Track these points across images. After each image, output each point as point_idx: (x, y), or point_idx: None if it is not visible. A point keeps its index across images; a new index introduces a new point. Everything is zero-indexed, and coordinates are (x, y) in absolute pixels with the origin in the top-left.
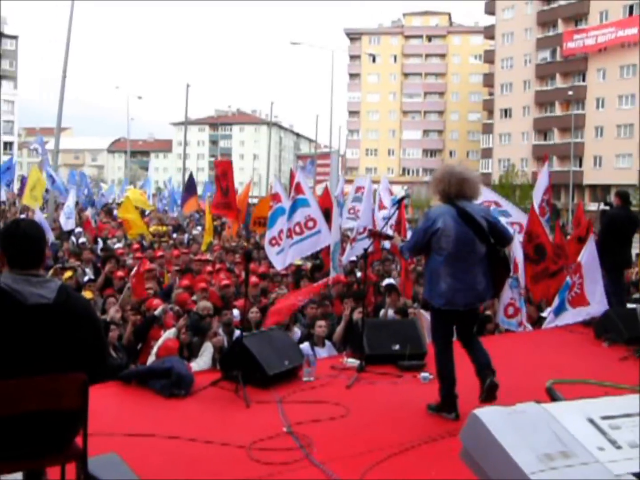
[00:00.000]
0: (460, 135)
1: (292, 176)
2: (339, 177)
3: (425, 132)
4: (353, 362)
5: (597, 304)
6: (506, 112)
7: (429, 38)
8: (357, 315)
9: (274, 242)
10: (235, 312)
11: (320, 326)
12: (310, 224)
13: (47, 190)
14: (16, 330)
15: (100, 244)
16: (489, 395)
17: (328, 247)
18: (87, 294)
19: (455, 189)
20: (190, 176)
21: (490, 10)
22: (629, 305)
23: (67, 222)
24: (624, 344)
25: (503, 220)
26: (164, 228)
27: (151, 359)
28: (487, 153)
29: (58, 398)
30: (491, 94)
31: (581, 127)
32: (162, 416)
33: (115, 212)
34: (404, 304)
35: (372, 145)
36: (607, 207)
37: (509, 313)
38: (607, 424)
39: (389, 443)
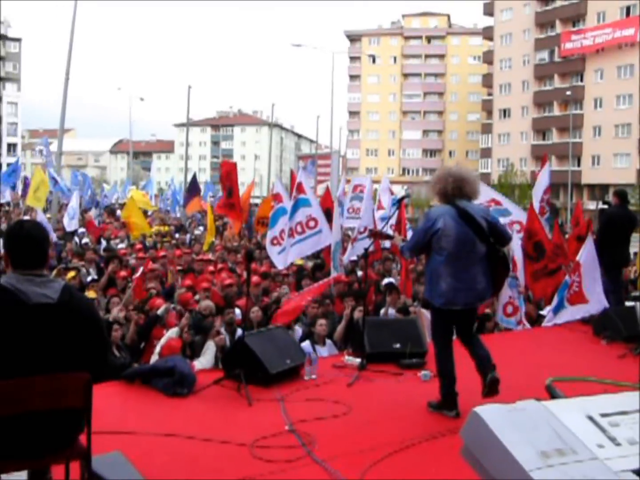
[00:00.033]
0: (459, 136)
1: (292, 177)
2: (339, 177)
3: (425, 133)
4: (354, 360)
5: (595, 301)
6: (505, 112)
7: (428, 39)
8: (357, 314)
9: (275, 241)
10: (237, 311)
11: (321, 325)
12: (312, 223)
13: (51, 192)
14: (20, 329)
15: (104, 244)
16: (491, 389)
17: (329, 247)
18: (90, 294)
19: (454, 189)
20: (194, 177)
21: (488, 11)
22: (628, 304)
23: (70, 222)
24: (622, 342)
25: (503, 219)
26: (166, 228)
27: (154, 358)
28: (486, 153)
29: (62, 397)
30: (490, 94)
31: (579, 127)
32: (165, 415)
33: (118, 212)
34: (404, 303)
35: (372, 145)
36: (606, 206)
37: (508, 312)
38: (606, 421)
39: (390, 441)
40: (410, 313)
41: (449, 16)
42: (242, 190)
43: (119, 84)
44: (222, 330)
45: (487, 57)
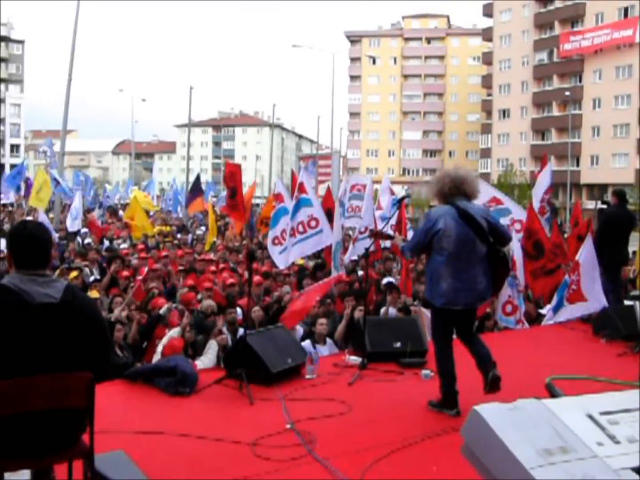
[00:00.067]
0: (459, 136)
1: (293, 177)
2: (340, 177)
3: (425, 133)
4: (355, 359)
5: (594, 300)
6: (504, 113)
7: (428, 40)
8: (358, 314)
9: (276, 241)
10: (239, 310)
11: (322, 324)
12: (313, 223)
13: (53, 192)
14: (23, 329)
15: (107, 244)
16: (492, 387)
17: (330, 247)
18: (93, 294)
19: (451, 189)
20: (197, 177)
21: (488, 12)
22: (627, 302)
23: (73, 223)
24: (621, 341)
25: (504, 219)
26: (168, 228)
27: (156, 357)
28: (485, 153)
29: (65, 396)
30: (489, 94)
31: (578, 127)
32: (168, 414)
33: (120, 212)
34: (404, 302)
35: (373, 145)
36: (605, 206)
37: (507, 311)
38: (605, 420)
39: (391, 439)
40: (411, 312)
41: (448, 17)
42: (244, 191)
43: (121, 85)
44: (224, 329)
45: (487, 58)
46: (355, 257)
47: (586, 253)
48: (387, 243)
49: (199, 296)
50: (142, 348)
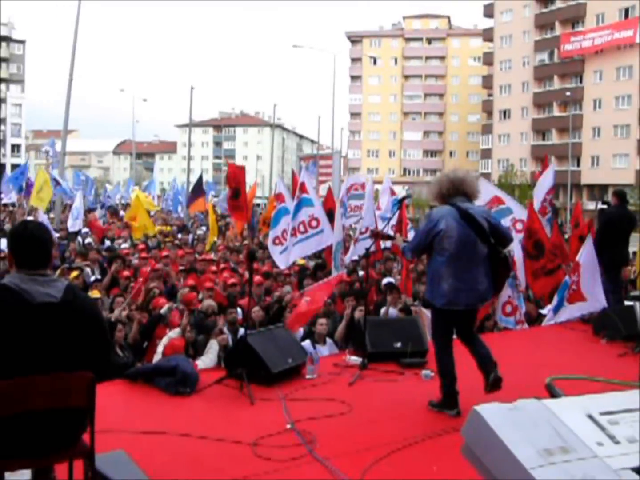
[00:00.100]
0: (460, 136)
1: (294, 177)
2: (341, 177)
3: (426, 133)
4: (355, 359)
5: (594, 300)
6: (505, 113)
7: (429, 41)
8: (358, 314)
9: (277, 241)
10: (238, 310)
11: (321, 324)
12: (314, 223)
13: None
14: (24, 328)
15: (108, 244)
16: (493, 388)
17: (331, 247)
18: (94, 294)
19: (449, 190)
20: (200, 178)
21: (488, 13)
22: (627, 303)
23: (74, 223)
24: (622, 341)
25: (505, 220)
26: (169, 228)
27: (156, 357)
28: (486, 153)
29: (66, 396)
30: (490, 95)
31: (579, 127)
32: (168, 414)
33: (121, 212)
34: (405, 302)
35: (374, 146)
36: (605, 206)
37: (507, 311)
38: (605, 420)
39: (392, 439)
40: (412, 313)
41: (449, 18)
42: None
43: (121, 85)
44: (225, 329)
45: (487, 59)
46: (355, 257)
47: (586, 253)
48: (388, 243)
49: (200, 296)
50: (142, 348)
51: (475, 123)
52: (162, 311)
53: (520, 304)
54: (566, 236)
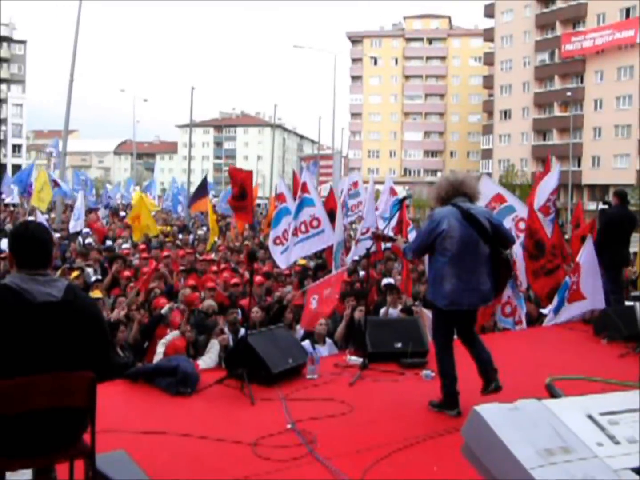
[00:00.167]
0: (460, 137)
1: (295, 178)
2: (341, 178)
3: (426, 134)
4: (356, 360)
5: (594, 299)
6: (506, 114)
7: (430, 41)
8: (358, 314)
9: (278, 241)
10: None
11: (321, 324)
12: (315, 223)
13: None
14: (26, 328)
15: (110, 244)
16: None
17: (331, 247)
18: (96, 294)
19: (448, 191)
20: (205, 178)
21: (489, 13)
22: (628, 303)
23: (76, 223)
24: (622, 341)
25: (507, 219)
26: (169, 228)
27: (157, 358)
28: (487, 154)
29: (66, 396)
30: (491, 95)
31: (579, 127)
32: (169, 414)
33: (121, 213)
34: (405, 302)
35: (374, 146)
36: (606, 207)
37: (507, 312)
38: (605, 420)
39: (392, 439)
40: (413, 313)
41: (450, 18)
42: None
43: (122, 85)
44: (226, 329)
45: (488, 59)
46: (356, 258)
47: (587, 254)
48: (389, 243)
49: (202, 295)
50: (143, 348)
51: (476, 123)
52: (162, 311)
53: (520, 304)
54: (566, 236)
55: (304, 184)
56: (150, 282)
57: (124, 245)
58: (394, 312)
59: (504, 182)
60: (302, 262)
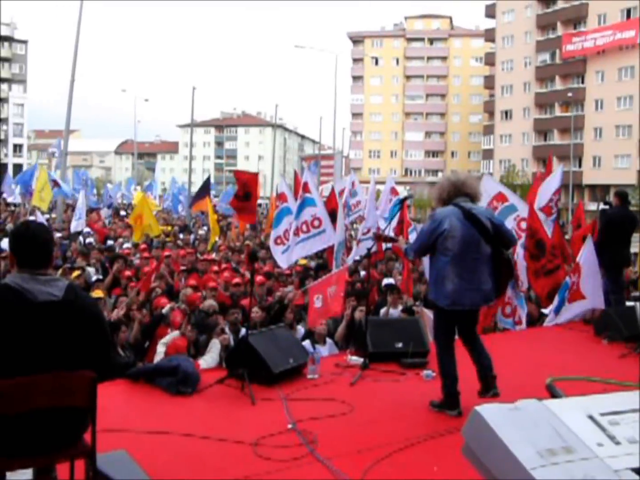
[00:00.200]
0: (461, 137)
1: (296, 178)
2: (342, 178)
3: (427, 134)
4: (357, 360)
5: (593, 298)
6: (507, 114)
7: (431, 41)
8: (358, 314)
9: (279, 241)
10: None
11: (322, 324)
12: (316, 222)
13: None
14: (27, 327)
15: (111, 244)
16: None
17: (332, 247)
18: (97, 293)
19: (449, 192)
20: (208, 178)
21: (490, 13)
22: (628, 304)
23: (77, 223)
24: (623, 342)
25: (509, 219)
26: (170, 228)
27: (157, 358)
28: (488, 154)
29: (67, 395)
30: (492, 95)
31: (580, 128)
32: (169, 413)
33: (122, 212)
34: (406, 303)
35: (375, 146)
36: (607, 207)
37: (507, 312)
38: (606, 420)
39: (393, 439)
40: (414, 313)
41: (451, 18)
42: None
43: (123, 85)
44: (226, 329)
45: (489, 59)
46: (357, 258)
47: (587, 254)
48: (389, 244)
49: (203, 295)
50: (144, 348)
51: (477, 123)
52: (163, 311)
53: (520, 304)
54: (567, 236)
55: (306, 184)
56: (150, 282)
57: (125, 245)
58: (395, 312)
59: (505, 182)
60: (303, 262)
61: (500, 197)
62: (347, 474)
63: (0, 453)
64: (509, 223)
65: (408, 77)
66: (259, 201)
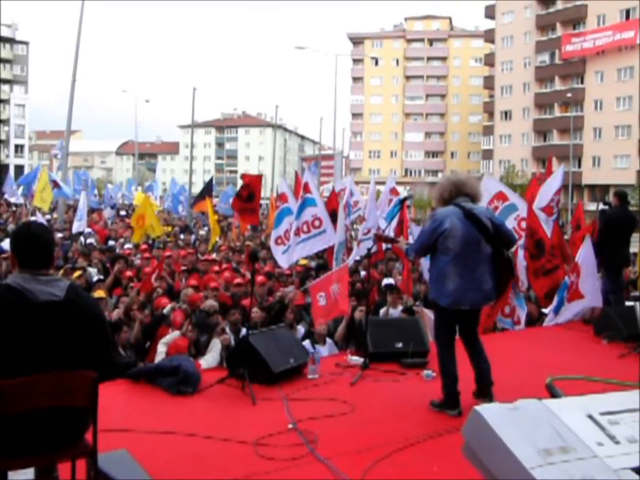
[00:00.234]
0: (461, 137)
1: (297, 178)
2: (342, 178)
3: (427, 134)
4: (357, 359)
5: (592, 297)
6: (506, 114)
7: (431, 42)
8: (358, 314)
9: (279, 241)
10: None
11: (326, 323)
12: (317, 223)
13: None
14: (29, 327)
15: (112, 244)
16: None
17: (333, 247)
18: (99, 293)
19: (451, 192)
20: (211, 179)
21: (490, 14)
22: (628, 303)
23: (79, 224)
24: (622, 342)
25: (510, 218)
26: (170, 228)
27: (158, 358)
28: (487, 154)
29: (69, 395)
30: (491, 96)
31: (580, 128)
32: (170, 413)
33: (122, 212)
34: (406, 302)
35: (375, 147)
36: (606, 207)
37: (506, 312)
38: (606, 420)
39: (393, 439)
40: (415, 313)
41: (450, 19)
42: None
43: (124, 86)
44: (227, 329)
45: (489, 60)
46: (357, 258)
47: (585, 253)
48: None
49: (205, 294)
50: (145, 348)
51: (477, 124)
52: (164, 311)
53: (519, 304)
54: (566, 237)
55: (306, 184)
56: (151, 282)
57: (126, 246)
58: (394, 312)
59: (505, 182)
60: (304, 262)
61: (501, 196)
62: (347, 474)
63: (2, 453)
64: (510, 222)
65: (408, 78)
66: (260, 202)
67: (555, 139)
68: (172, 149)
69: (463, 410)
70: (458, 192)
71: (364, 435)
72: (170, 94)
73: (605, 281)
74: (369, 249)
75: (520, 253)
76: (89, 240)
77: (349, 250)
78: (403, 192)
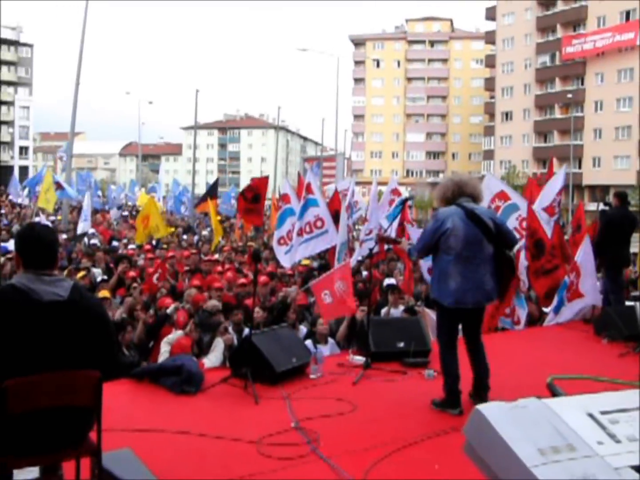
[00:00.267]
0: (462, 138)
1: (300, 179)
2: (344, 179)
3: (429, 135)
4: (359, 359)
5: (591, 297)
6: (507, 115)
7: (432, 43)
8: (360, 314)
9: (282, 241)
10: None
11: (322, 324)
12: (319, 223)
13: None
14: (34, 327)
15: (115, 244)
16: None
17: (335, 247)
18: (103, 293)
19: (454, 192)
20: (216, 181)
21: (490, 16)
22: (628, 303)
23: (84, 225)
24: (623, 341)
25: (511, 218)
26: (173, 229)
27: (161, 358)
28: (488, 155)
29: (73, 394)
30: (492, 97)
31: (580, 129)
32: (174, 412)
33: (125, 213)
34: (408, 302)
35: (377, 147)
36: (606, 208)
37: (506, 312)
38: (606, 419)
39: (395, 438)
40: (417, 313)
41: (451, 21)
42: None
43: (127, 88)
44: (230, 329)
45: (490, 61)
46: (359, 258)
47: (584, 253)
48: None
49: (209, 294)
50: (148, 347)
51: (478, 125)
52: (168, 311)
53: (519, 304)
54: (566, 237)
55: (309, 185)
56: (153, 283)
57: (130, 246)
58: (396, 312)
59: (505, 183)
60: (306, 262)
61: (503, 196)
62: (349, 473)
63: (8, 451)
64: (511, 222)
65: (409, 79)
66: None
67: (556, 139)
68: (175, 150)
69: (464, 410)
70: (460, 192)
71: (366, 434)
72: (173, 96)
73: (605, 281)
74: (370, 250)
75: (522, 253)
76: (92, 241)
77: (352, 250)
78: (405, 192)
